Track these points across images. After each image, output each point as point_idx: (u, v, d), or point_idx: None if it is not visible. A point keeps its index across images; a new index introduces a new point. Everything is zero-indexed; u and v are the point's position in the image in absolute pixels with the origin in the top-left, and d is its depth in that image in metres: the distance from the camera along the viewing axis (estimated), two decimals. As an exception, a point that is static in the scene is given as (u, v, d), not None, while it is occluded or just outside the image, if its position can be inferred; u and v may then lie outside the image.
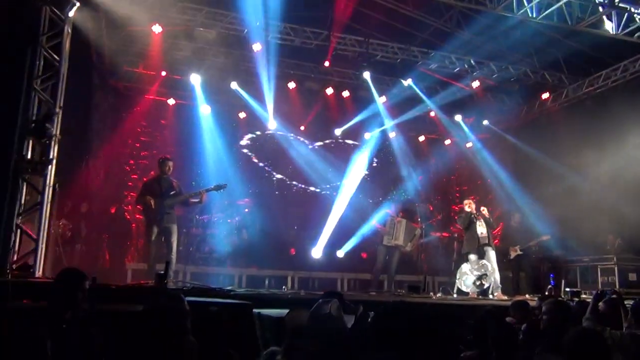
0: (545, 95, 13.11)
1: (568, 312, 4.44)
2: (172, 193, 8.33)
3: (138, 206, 8.85)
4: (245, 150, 13.70)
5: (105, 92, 12.00)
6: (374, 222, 11.14)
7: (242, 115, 13.37)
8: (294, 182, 13.79)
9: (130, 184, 12.30)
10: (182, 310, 3.19)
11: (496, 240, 10.07)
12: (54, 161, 7.15)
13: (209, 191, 8.53)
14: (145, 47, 11.42)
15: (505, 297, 8.98)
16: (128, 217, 11.96)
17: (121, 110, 12.48)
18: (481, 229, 9.62)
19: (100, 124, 11.74)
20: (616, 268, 10.41)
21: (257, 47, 11.17)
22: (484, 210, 9.83)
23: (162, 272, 6.78)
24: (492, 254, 9.51)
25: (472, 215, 9.70)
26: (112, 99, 12.26)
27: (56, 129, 7.30)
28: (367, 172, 13.98)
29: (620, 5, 9.04)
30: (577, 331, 3.41)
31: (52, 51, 7.38)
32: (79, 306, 3.81)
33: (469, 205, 9.86)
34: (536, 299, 6.44)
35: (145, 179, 9.23)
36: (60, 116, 7.42)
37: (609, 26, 9.54)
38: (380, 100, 13.30)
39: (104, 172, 11.95)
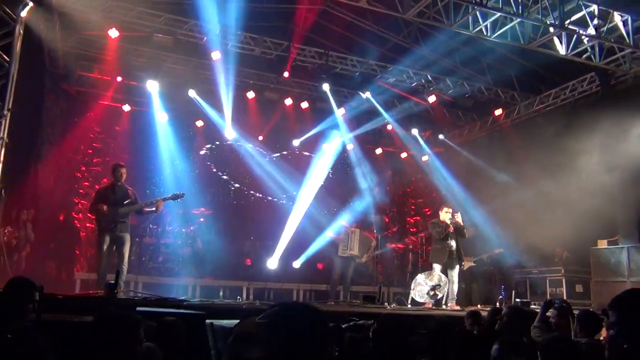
0: (498, 112, 13.49)
1: (526, 317, 4.63)
2: (126, 201, 8.11)
3: (91, 214, 8.57)
4: (203, 158, 13.51)
5: (58, 96, 11.64)
6: (328, 232, 11.16)
7: (199, 123, 13.22)
8: (251, 192, 13.69)
9: (81, 191, 11.94)
10: (134, 319, 3.10)
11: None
12: (0, 166, 6.88)
13: (165, 200, 8.33)
14: (100, 52, 11.17)
15: (458, 308, 9.13)
16: (78, 225, 11.61)
17: (74, 115, 12.12)
18: (452, 241, 9.62)
19: (51, 128, 11.37)
20: (564, 280, 10.79)
21: (216, 55, 11.08)
22: (458, 216, 9.75)
23: (113, 282, 6.64)
24: (457, 266, 9.59)
25: (447, 227, 9.61)
26: (64, 103, 11.90)
27: (3, 133, 7.05)
28: (324, 183, 14.01)
29: (570, 27, 9.42)
30: (552, 338, 3.49)
31: (1, 51, 7.13)
32: (26, 316, 3.66)
33: (447, 214, 9.72)
34: (488, 309, 6.58)
35: (98, 187, 8.96)
36: (8, 119, 7.17)
37: (559, 47, 9.93)
38: (339, 112, 13.41)
39: (54, 178, 11.55)
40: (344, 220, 11.17)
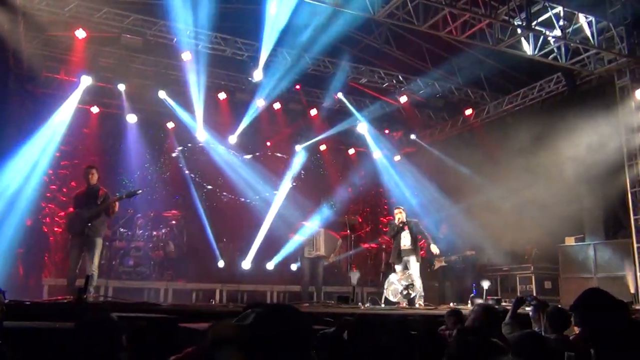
0: (468, 112, 13.67)
1: (495, 315, 4.66)
2: (98, 203, 7.90)
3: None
4: (174, 160, 13.34)
5: (23, 98, 11.36)
6: (291, 234, 11.05)
7: (170, 125, 13.06)
8: (224, 194, 13.58)
9: (48, 194, 11.66)
10: (116, 325, 3.03)
11: (422, 252, 10.28)
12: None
13: (121, 199, 8.02)
14: (67, 53, 10.95)
15: (430, 306, 9.22)
16: (45, 229, 11.34)
17: (40, 118, 11.83)
18: (404, 240, 9.81)
19: (16, 131, 11.08)
20: (533, 277, 11.00)
21: (186, 56, 10.97)
22: (400, 214, 9.99)
23: (82, 286, 6.51)
24: (413, 264, 9.66)
25: (399, 226, 9.87)
26: (30, 105, 11.61)
27: (-34, 136, 6.84)
28: (296, 184, 13.98)
29: (537, 28, 9.60)
30: (523, 334, 3.53)
31: (-37, 52, 6.93)
32: None
33: (399, 213, 10.02)
34: (461, 307, 6.63)
35: (76, 191, 8.65)
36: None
37: (527, 47, 10.11)
38: (311, 113, 13.41)
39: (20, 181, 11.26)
40: (308, 222, 11.08)
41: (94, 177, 8.03)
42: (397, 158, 14.88)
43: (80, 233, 7.70)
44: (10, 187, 9.99)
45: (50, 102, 11.68)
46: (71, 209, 7.80)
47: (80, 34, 10.13)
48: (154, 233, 11.55)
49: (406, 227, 9.82)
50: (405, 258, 9.74)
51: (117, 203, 7.93)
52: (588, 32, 9.83)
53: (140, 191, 8.14)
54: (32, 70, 10.99)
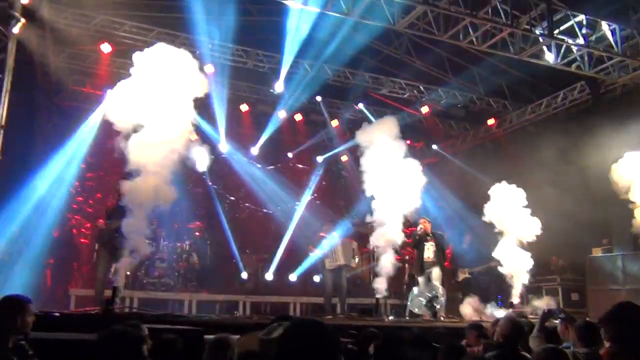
0: (490, 121, 13.57)
1: (523, 328, 4.58)
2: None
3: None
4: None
5: (50, 111, 11.59)
6: (310, 247, 10.99)
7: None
8: (247, 205, 13.64)
9: (75, 206, 11.84)
10: (138, 335, 3.07)
11: (446, 262, 10.19)
12: (-6, 182, 6.83)
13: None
14: (93, 66, 11.18)
15: (454, 318, 9.11)
16: (73, 241, 11.50)
17: (67, 130, 12.05)
18: (428, 252, 9.71)
19: (44, 144, 11.30)
20: (560, 288, 10.78)
21: (209, 69, 11.10)
22: (425, 224, 9.88)
23: (109, 298, 6.59)
24: (436, 274, 9.57)
25: (421, 237, 9.76)
26: (57, 118, 11.84)
27: (-3, 149, 7.01)
28: (318, 195, 13.98)
29: (559, 37, 9.52)
30: (547, 348, 3.47)
31: (-6, 68, 7.11)
32: (22, 331, 3.65)
33: (424, 223, 9.91)
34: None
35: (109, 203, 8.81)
36: (1, 135, 7.12)
37: (549, 56, 10.02)
38: (333, 124, 13.44)
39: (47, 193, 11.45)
40: (325, 233, 10.99)
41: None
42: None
43: (110, 244, 7.79)
44: (38, 198, 10.15)
45: (77, 114, 11.89)
46: (101, 221, 7.86)
47: (106, 48, 10.35)
48: (178, 244, 11.63)
49: (431, 239, 9.72)
50: (427, 270, 9.65)
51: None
52: (611, 40, 9.72)
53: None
54: (59, 84, 11.24)
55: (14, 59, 7.51)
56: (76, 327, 5.14)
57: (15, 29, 7.44)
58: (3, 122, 7.18)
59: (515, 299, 9.47)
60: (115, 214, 7.97)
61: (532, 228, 9.47)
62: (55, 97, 11.67)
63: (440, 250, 9.76)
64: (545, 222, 10.63)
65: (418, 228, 9.94)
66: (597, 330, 4.47)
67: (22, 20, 7.48)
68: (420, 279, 9.64)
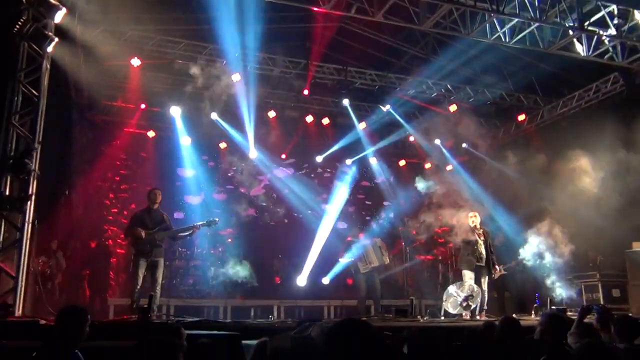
0: (521, 117, 13.34)
1: (563, 325, 4.52)
2: (162, 226, 8.18)
3: (127, 239, 8.59)
4: (228, 179, 13.60)
5: (84, 126, 11.89)
6: (341, 254, 10.95)
7: (222, 145, 13.36)
8: (278, 210, 13.73)
9: (110, 217, 12.13)
10: (174, 343, 3.13)
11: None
12: (33, 197, 7.03)
13: (200, 227, 8.40)
14: (124, 81, 11.44)
15: (492, 318, 8.96)
16: (109, 251, 11.77)
17: (100, 144, 12.37)
18: (482, 248, 9.41)
19: (79, 158, 11.61)
20: (600, 285, 10.50)
21: (236, 77, 11.24)
22: (474, 218, 9.59)
23: (146, 306, 6.71)
24: (487, 276, 9.38)
25: (475, 230, 9.44)
26: (90, 133, 12.15)
27: (35, 165, 7.21)
28: (349, 198, 13.97)
29: (589, 28, 9.32)
30: (585, 344, 3.41)
31: (30, 86, 7.31)
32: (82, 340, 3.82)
33: (474, 217, 9.58)
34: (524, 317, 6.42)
35: (135, 210, 8.96)
36: (39, 151, 7.33)
37: (580, 49, 9.82)
38: (360, 127, 13.44)
39: (83, 206, 11.76)
40: (355, 237, 10.95)
41: (159, 198, 8.30)
42: (449, 168, 14.65)
43: (147, 253, 7.95)
44: (76, 210, 10.43)
45: (109, 128, 12.21)
46: (140, 230, 8.01)
47: (135, 62, 10.57)
48: (211, 251, 11.78)
49: (481, 234, 9.45)
50: (481, 268, 9.33)
51: (197, 229, 8.26)
52: (645, 29, 9.47)
53: (217, 221, 8.53)
54: (92, 99, 11.50)
55: (48, 77, 7.71)
56: (115, 335, 5.25)
57: (49, 48, 7.63)
58: (40, 139, 7.37)
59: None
60: (146, 221, 8.12)
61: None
62: (89, 113, 11.97)
63: (488, 247, 9.49)
64: (581, 217, 10.40)
65: (470, 221, 9.59)
66: (636, 324, 4.39)
67: (56, 39, 7.68)
68: (468, 274, 9.23)
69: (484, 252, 9.45)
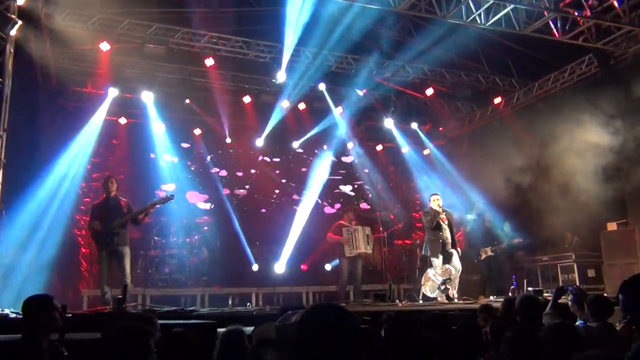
0: (497, 100, 13.37)
1: (539, 306, 4.62)
2: (119, 212, 7.97)
3: (89, 231, 8.43)
4: (204, 166, 13.39)
5: (54, 112, 11.55)
6: (329, 234, 10.93)
7: (197, 131, 13.13)
8: (254, 196, 13.58)
9: (82, 207, 11.80)
10: (142, 329, 3.03)
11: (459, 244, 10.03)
12: (0, 187, 6.79)
13: (154, 205, 8.18)
14: (93, 66, 11.10)
15: (472, 301, 9.02)
16: (81, 241, 11.50)
17: (71, 131, 12.01)
18: (447, 232, 9.39)
19: (48, 146, 11.27)
20: (575, 265, 10.65)
21: (209, 62, 11.02)
22: (436, 199, 9.54)
23: (120, 296, 6.58)
24: (456, 257, 9.37)
25: (439, 212, 9.38)
26: (61, 120, 11.79)
27: (1, 153, 6.97)
28: (326, 183, 13.88)
29: (564, 9, 9.31)
30: (553, 325, 3.48)
31: (-7, 71, 7.04)
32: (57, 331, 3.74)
33: (435, 202, 9.50)
34: (501, 299, 6.44)
35: (93, 202, 8.79)
36: (4, 140, 7.08)
37: (555, 30, 9.82)
38: (337, 111, 13.31)
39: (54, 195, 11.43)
40: (344, 221, 10.97)
41: (114, 187, 8.11)
42: (427, 152, 14.66)
43: (108, 243, 7.77)
44: (46, 200, 10.14)
45: (80, 115, 11.85)
46: (96, 222, 7.83)
47: (104, 46, 10.27)
48: (187, 240, 11.60)
49: (445, 218, 9.40)
50: (448, 252, 9.35)
51: (151, 208, 8.03)
52: (619, 9, 9.49)
53: (171, 197, 8.25)
54: (60, 85, 11.18)
55: (13, 62, 7.44)
56: (90, 326, 5.11)
57: (13, 31, 7.34)
58: (5, 127, 7.12)
59: None
60: (104, 212, 7.94)
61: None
62: (58, 99, 11.62)
63: (452, 227, 9.48)
64: (558, 199, 10.50)
65: (434, 205, 9.51)
66: (609, 303, 4.50)
67: (19, 22, 7.39)
68: (436, 261, 9.26)
69: (449, 236, 9.40)
